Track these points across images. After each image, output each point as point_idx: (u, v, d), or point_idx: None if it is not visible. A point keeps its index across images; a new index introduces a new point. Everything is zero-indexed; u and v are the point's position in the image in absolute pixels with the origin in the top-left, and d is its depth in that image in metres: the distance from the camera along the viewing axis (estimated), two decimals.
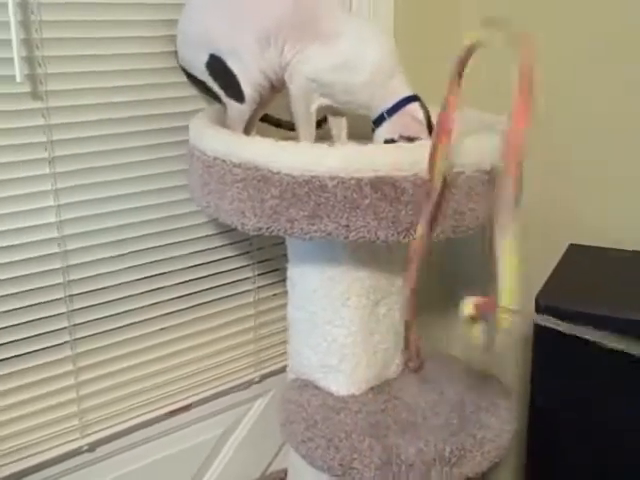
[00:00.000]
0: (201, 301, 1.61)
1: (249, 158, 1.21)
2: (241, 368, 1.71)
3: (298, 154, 1.18)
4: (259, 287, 1.70)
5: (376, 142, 1.38)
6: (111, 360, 1.48)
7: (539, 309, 1.43)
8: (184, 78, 1.45)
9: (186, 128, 1.39)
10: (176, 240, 1.53)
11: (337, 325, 1.40)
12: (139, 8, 1.38)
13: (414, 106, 1.35)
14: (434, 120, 1.26)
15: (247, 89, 1.36)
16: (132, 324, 1.50)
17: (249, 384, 1.73)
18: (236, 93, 1.37)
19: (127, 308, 1.48)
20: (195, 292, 1.59)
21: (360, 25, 1.37)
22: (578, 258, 1.66)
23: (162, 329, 1.55)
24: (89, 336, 1.44)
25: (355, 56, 1.33)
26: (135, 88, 1.40)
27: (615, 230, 1.79)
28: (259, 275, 1.69)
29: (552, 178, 1.88)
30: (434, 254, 2.07)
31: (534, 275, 1.61)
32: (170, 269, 1.53)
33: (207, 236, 1.58)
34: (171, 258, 1.53)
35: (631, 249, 1.71)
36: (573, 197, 1.85)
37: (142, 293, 1.50)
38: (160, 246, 1.51)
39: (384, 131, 1.36)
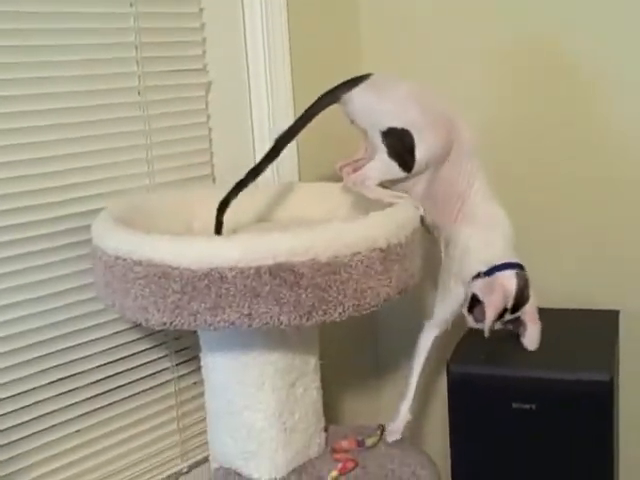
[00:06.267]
0: (120, 397, 1.58)
1: (149, 255, 1.22)
2: (168, 460, 1.69)
3: (196, 248, 1.21)
4: (179, 376, 1.69)
5: (468, 290, 1.45)
6: (29, 467, 1.45)
7: (450, 374, 1.47)
8: (85, 178, 1.47)
9: (88, 227, 1.40)
10: (88, 339, 1.51)
11: (254, 410, 1.40)
12: (31, 115, 1.40)
13: (508, 274, 1.42)
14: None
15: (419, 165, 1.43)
16: (48, 428, 1.47)
17: (177, 475, 1.71)
18: (404, 162, 1.43)
19: (41, 412, 1.45)
20: (113, 388, 1.57)
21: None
22: None
23: (80, 430, 1.52)
24: (3, 445, 1.40)
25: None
26: (35, 193, 1.41)
27: None
28: (178, 364, 1.68)
29: None
30: (364, 326, 2.11)
31: (448, 340, 1.64)
32: (85, 368, 1.52)
33: (121, 331, 1.57)
34: (85, 357, 1.51)
35: (542, 307, 1.77)
36: None
37: (57, 395, 1.47)
38: (72, 346, 1.49)
39: (476, 287, 1.43)
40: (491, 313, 1.38)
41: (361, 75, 1.47)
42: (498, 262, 1.43)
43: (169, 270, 1.20)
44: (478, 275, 1.43)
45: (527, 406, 1.41)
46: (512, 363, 1.47)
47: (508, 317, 1.43)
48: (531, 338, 1.45)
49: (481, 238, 1.46)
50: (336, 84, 1.46)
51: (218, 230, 1.46)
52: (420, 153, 1.42)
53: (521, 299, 1.42)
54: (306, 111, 1.47)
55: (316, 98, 1.46)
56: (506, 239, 1.47)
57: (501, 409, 1.43)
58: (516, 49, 1.84)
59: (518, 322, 1.46)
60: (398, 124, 1.42)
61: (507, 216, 1.48)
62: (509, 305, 1.41)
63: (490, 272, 1.42)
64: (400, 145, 1.42)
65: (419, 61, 1.96)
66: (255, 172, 1.47)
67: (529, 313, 1.45)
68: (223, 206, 1.46)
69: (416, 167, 1.43)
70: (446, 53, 1.93)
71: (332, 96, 1.46)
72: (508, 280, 1.41)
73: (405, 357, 2.15)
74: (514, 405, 1.42)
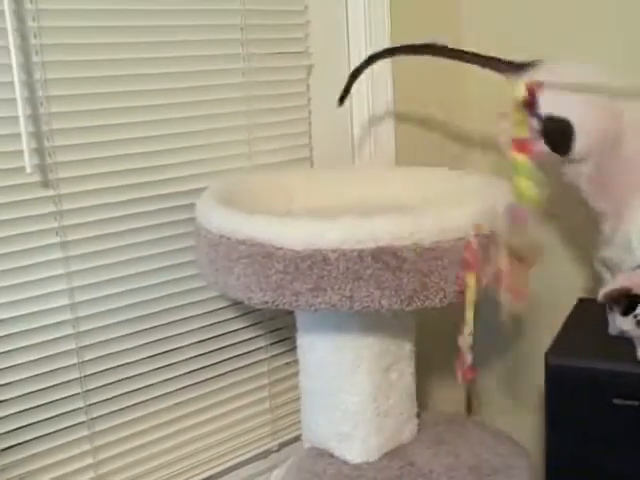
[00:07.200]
0: (215, 373, 1.62)
1: (253, 235, 1.24)
2: (258, 438, 1.72)
3: (300, 229, 1.22)
4: (272, 356, 1.72)
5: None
6: (127, 438, 1.50)
7: (549, 366, 1.43)
8: (187, 158, 1.50)
9: (192, 206, 1.43)
10: (188, 315, 1.55)
11: (349, 393, 1.41)
12: (137, 95, 1.44)
13: None
14: None
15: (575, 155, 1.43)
16: (147, 400, 1.52)
17: (267, 453, 1.74)
18: (560, 152, 1.43)
19: (141, 385, 1.50)
20: (208, 365, 1.61)
21: None
22: (587, 312, 1.67)
23: (176, 404, 1.56)
24: (105, 415, 1.46)
25: None
26: (139, 171, 1.45)
27: None
28: (271, 344, 1.71)
29: (558, 232, 1.90)
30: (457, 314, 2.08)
31: (544, 331, 1.61)
32: (183, 344, 1.56)
33: (218, 309, 1.60)
34: (183, 333, 1.55)
35: None
36: (582, 249, 1.87)
37: (155, 369, 1.52)
38: (172, 322, 1.53)
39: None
40: (615, 285, 1.36)
41: (529, 61, 1.46)
42: None
43: (272, 250, 1.22)
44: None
45: (629, 402, 1.36)
46: (614, 356, 1.43)
47: None
48: None
49: None
50: (506, 61, 1.48)
51: (342, 98, 1.65)
52: (578, 143, 1.40)
53: None
54: (464, 52, 1.53)
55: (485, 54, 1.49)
56: None
57: (601, 404, 1.39)
58: None
59: None
60: (557, 112, 1.40)
61: None
62: None
63: None
64: (557, 135, 1.41)
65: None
66: (371, 59, 1.63)
67: None
68: (353, 78, 1.64)
69: (572, 156, 1.41)
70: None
71: (501, 67, 1.49)
72: None
73: (495, 349, 2.12)
74: (615, 401, 1.37)
